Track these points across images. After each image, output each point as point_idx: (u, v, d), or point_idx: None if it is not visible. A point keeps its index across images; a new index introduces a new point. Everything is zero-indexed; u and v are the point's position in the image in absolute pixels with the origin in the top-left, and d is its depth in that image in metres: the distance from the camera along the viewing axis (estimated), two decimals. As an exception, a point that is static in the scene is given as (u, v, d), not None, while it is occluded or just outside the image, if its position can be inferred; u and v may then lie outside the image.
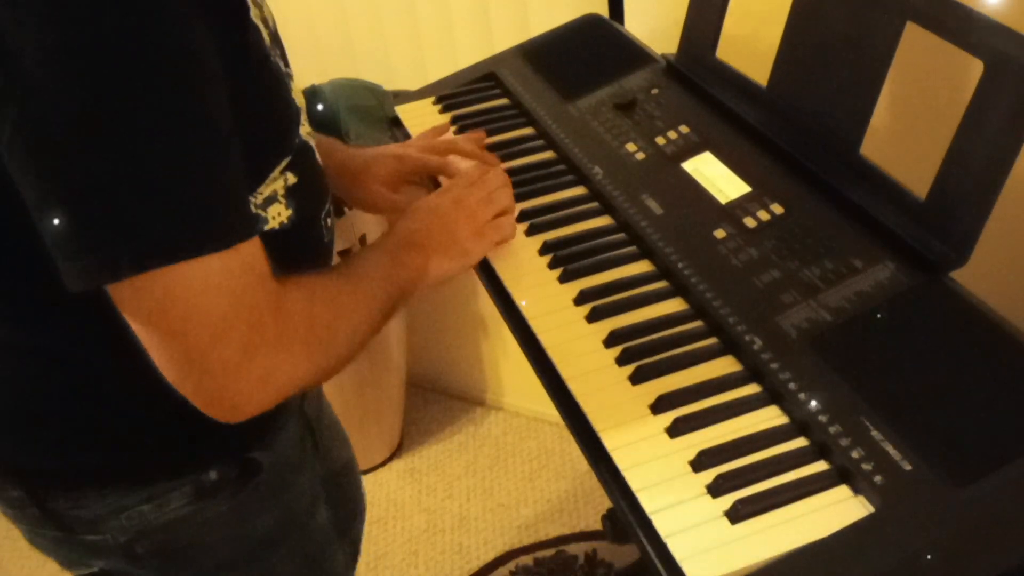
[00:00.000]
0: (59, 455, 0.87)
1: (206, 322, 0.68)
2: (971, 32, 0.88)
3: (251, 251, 0.71)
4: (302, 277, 0.79)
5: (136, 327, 0.69)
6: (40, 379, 0.83)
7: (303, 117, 0.87)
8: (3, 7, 0.61)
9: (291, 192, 0.83)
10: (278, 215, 0.83)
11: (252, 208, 0.79)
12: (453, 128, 1.30)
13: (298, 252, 0.87)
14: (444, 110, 1.35)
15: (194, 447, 0.89)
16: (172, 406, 0.73)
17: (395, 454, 2.24)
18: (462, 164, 1.17)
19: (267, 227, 0.81)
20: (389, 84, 1.92)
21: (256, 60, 0.77)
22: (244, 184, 0.72)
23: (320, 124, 1.81)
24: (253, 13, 0.77)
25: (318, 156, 0.91)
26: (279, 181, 0.82)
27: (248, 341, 0.70)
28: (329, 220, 0.94)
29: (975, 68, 0.86)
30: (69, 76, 0.61)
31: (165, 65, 0.64)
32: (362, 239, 1.90)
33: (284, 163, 0.82)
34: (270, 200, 0.81)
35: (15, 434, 0.87)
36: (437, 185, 1.18)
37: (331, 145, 1.14)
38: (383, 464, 2.22)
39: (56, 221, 0.64)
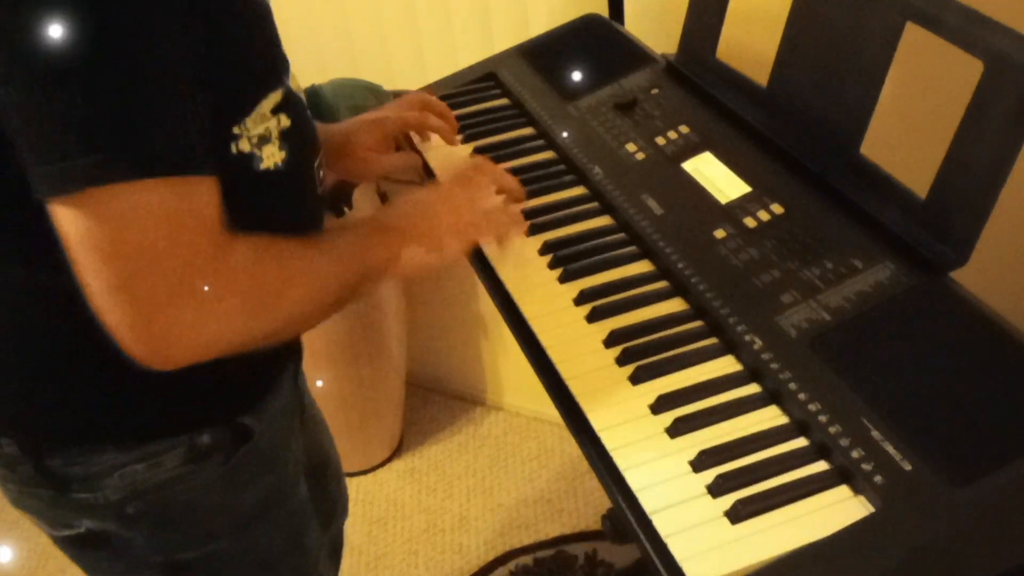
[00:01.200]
0: (59, 410, 0.88)
1: (139, 251, 0.69)
2: (971, 32, 0.88)
3: (198, 193, 0.71)
4: (258, 236, 0.79)
5: (70, 247, 0.69)
6: (44, 332, 0.84)
7: (291, 70, 0.89)
8: None
9: (285, 136, 0.84)
10: (271, 155, 0.83)
11: (246, 146, 0.81)
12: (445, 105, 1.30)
13: (290, 196, 0.88)
14: (444, 110, 1.35)
15: (188, 407, 0.90)
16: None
17: (395, 454, 2.24)
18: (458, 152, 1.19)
19: (262, 166, 0.82)
20: (389, 84, 1.92)
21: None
22: (203, 125, 0.73)
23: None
24: None
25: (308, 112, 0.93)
26: (272, 121, 0.83)
27: (179, 280, 0.70)
28: (321, 172, 0.95)
29: (975, 68, 0.86)
30: (33, 10, 0.64)
31: (131, 7, 0.66)
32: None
33: (274, 98, 0.82)
34: (265, 139, 0.82)
35: (16, 387, 0.88)
36: (425, 166, 1.21)
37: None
38: (383, 464, 2.22)
39: (23, 133, 0.67)
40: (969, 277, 0.88)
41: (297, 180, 0.89)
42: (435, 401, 2.37)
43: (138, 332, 0.71)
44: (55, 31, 0.65)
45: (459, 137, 1.25)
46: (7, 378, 0.88)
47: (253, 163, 0.82)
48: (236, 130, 0.80)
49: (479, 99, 1.35)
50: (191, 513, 0.94)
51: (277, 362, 1.00)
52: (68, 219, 0.69)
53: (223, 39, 0.75)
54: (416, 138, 1.26)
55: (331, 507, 1.25)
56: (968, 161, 0.87)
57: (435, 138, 1.24)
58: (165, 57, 0.69)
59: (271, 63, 0.84)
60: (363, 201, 1.88)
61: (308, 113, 0.92)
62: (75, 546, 0.96)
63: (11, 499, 0.96)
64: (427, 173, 1.22)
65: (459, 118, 1.31)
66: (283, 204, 0.80)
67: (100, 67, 0.66)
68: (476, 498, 2.10)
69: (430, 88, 1.42)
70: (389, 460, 2.23)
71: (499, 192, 1.05)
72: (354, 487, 2.16)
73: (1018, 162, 0.84)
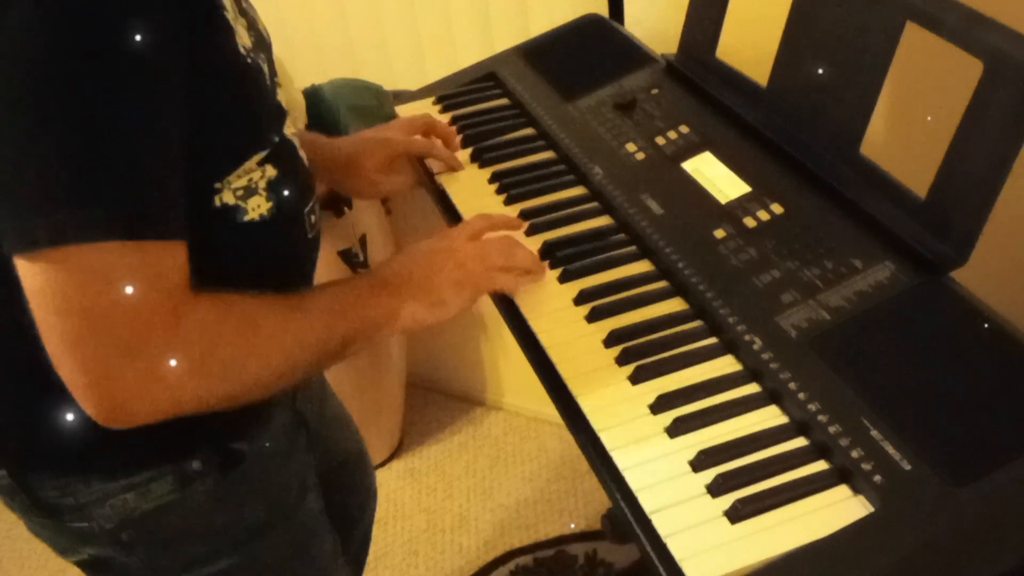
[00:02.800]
0: (42, 441, 0.87)
1: (92, 313, 0.69)
2: (971, 32, 0.88)
3: (160, 257, 0.71)
4: (226, 295, 0.78)
5: (30, 300, 0.70)
6: (27, 358, 0.82)
7: (290, 119, 0.88)
8: None
9: (272, 186, 0.84)
10: (257, 207, 0.83)
11: (230, 199, 0.80)
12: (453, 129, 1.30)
13: (278, 245, 0.88)
14: (444, 110, 1.35)
15: (176, 436, 0.87)
16: None
17: (395, 454, 2.24)
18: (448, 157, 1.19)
19: (246, 217, 0.82)
20: (389, 84, 1.92)
21: (228, 55, 0.78)
22: (175, 188, 0.73)
23: (320, 124, 1.81)
24: (230, 15, 0.79)
25: (302, 152, 0.92)
26: (257, 173, 0.82)
27: (131, 342, 0.70)
28: (314, 217, 0.94)
29: (975, 68, 0.86)
30: (13, 52, 0.64)
31: (110, 56, 0.66)
32: (362, 239, 1.90)
33: (260, 156, 0.82)
34: (251, 192, 0.82)
35: (3, 418, 0.88)
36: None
37: (314, 140, 1.15)
38: (383, 464, 2.21)
39: None
40: (969, 277, 0.88)
41: (285, 229, 0.88)
42: (435, 401, 2.37)
43: (89, 390, 0.71)
44: (31, 85, 0.66)
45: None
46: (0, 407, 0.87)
47: (237, 215, 0.81)
48: (218, 185, 0.79)
49: (479, 99, 1.35)
50: (187, 536, 0.94)
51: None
52: (27, 273, 0.70)
53: (207, 105, 0.75)
54: (430, 162, 1.24)
55: (356, 501, 1.24)
56: (968, 161, 0.87)
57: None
58: (140, 119, 0.69)
59: (257, 126, 0.83)
60: (363, 201, 1.88)
61: (301, 156, 0.91)
62: (84, 569, 0.97)
63: (26, 525, 0.96)
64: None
65: (459, 118, 1.31)
66: (270, 253, 0.79)
67: (72, 126, 0.66)
68: (476, 498, 2.10)
69: (430, 88, 1.42)
70: (389, 460, 2.23)
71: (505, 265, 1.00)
72: (354, 487, 2.16)
73: (1018, 162, 0.84)
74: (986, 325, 0.83)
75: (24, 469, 0.89)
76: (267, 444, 0.96)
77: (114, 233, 0.68)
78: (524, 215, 1.11)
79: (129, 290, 0.69)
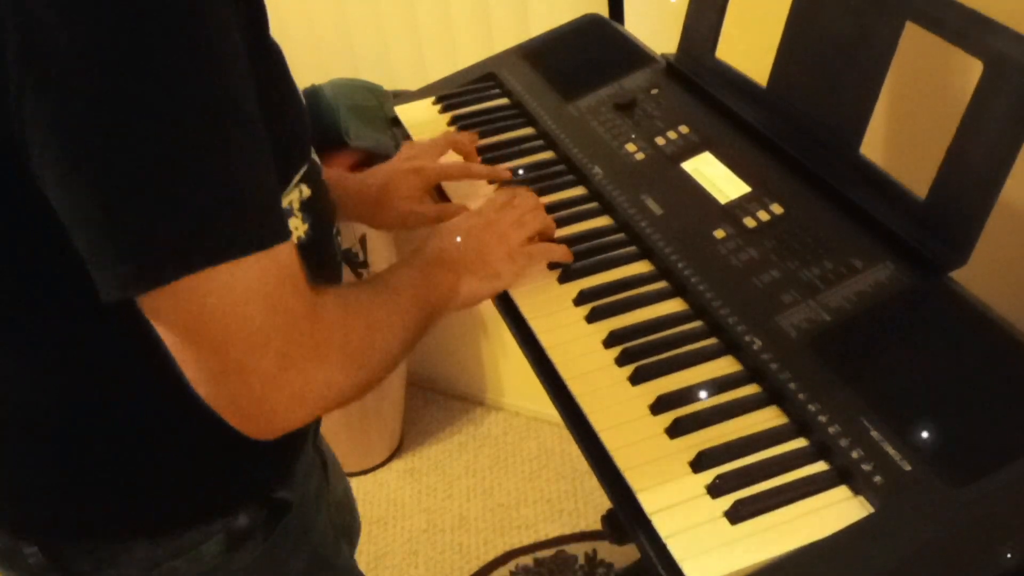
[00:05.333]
0: (81, 508, 0.82)
1: (244, 331, 0.65)
2: (971, 32, 0.88)
3: (288, 256, 0.68)
4: (335, 289, 0.76)
5: (170, 339, 0.66)
6: (59, 419, 0.79)
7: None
8: (37, 6, 0.59)
9: (305, 206, 0.81)
10: (295, 229, 0.80)
11: None
12: (452, 129, 1.30)
13: (314, 268, 0.84)
14: (444, 110, 1.35)
15: (221, 488, 0.85)
16: (198, 442, 0.71)
17: (395, 454, 2.24)
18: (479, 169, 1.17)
19: None
20: (389, 84, 1.92)
21: (277, 64, 0.76)
22: (278, 185, 0.70)
23: (320, 124, 1.81)
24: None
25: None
26: (295, 192, 0.80)
27: (285, 351, 0.67)
28: (339, 238, 0.93)
29: (975, 68, 0.86)
30: (104, 78, 0.59)
31: (203, 65, 0.62)
32: (362, 239, 1.90)
33: (302, 172, 0.80)
34: (288, 213, 0.79)
35: (33, 488, 0.82)
36: (441, 194, 1.18)
37: (340, 176, 1.12)
38: (383, 464, 2.22)
39: (92, 227, 0.62)
40: (969, 277, 0.88)
41: (319, 251, 0.86)
42: (435, 401, 2.37)
43: (251, 411, 0.68)
44: (134, 105, 0.60)
45: (494, 187, 1.18)
46: (25, 476, 0.82)
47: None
48: None
49: (479, 99, 1.35)
50: None
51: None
52: (159, 311, 0.65)
53: (271, 105, 0.71)
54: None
55: (349, 538, 1.22)
56: (968, 161, 0.87)
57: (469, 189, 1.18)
58: (251, 119, 0.65)
59: (305, 130, 0.81)
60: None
61: (323, 178, 0.89)
62: None
63: None
64: (440, 198, 1.18)
65: (459, 118, 1.31)
66: (309, 278, 0.76)
67: (188, 134, 0.61)
68: (476, 498, 2.10)
69: (430, 88, 1.42)
70: (389, 460, 2.23)
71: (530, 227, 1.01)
72: (354, 487, 2.16)
73: (1018, 162, 0.84)
74: (986, 325, 0.83)
75: (58, 541, 0.83)
76: (304, 490, 0.93)
77: (250, 245, 0.64)
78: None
79: (273, 300, 0.66)
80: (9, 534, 0.85)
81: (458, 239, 0.94)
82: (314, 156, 0.86)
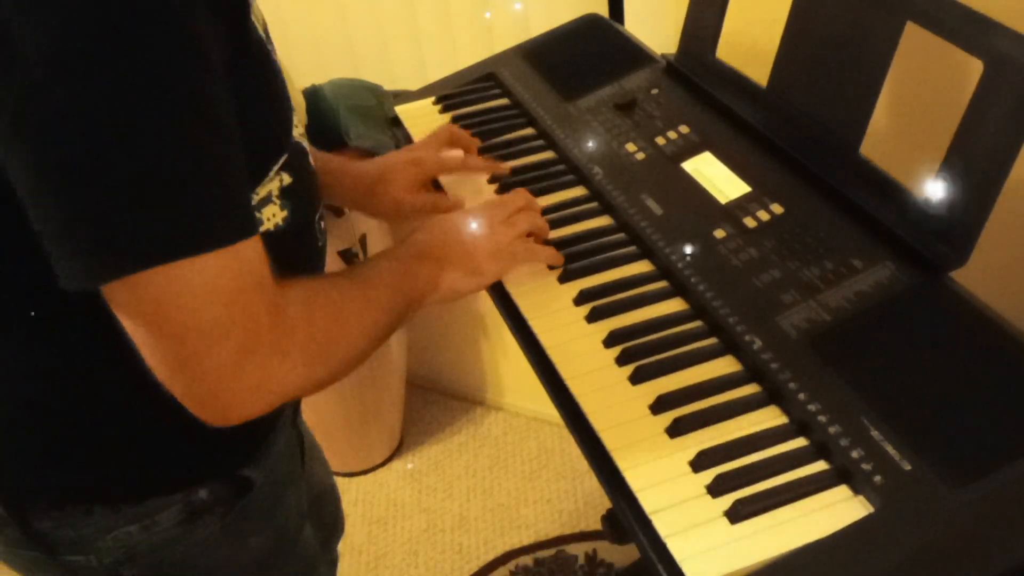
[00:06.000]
0: (45, 471, 0.84)
1: (201, 324, 0.66)
2: (971, 32, 0.88)
3: (251, 251, 0.68)
4: (304, 280, 0.77)
5: (129, 327, 0.67)
6: (28, 390, 0.81)
7: (296, 118, 0.86)
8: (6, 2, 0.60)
9: (285, 193, 0.82)
10: (272, 216, 0.81)
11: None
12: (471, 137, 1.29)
13: (292, 255, 0.85)
14: (444, 110, 1.35)
15: (186, 463, 0.86)
16: (164, 419, 0.71)
17: (395, 454, 2.24)
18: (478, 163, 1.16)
19: (262, 229, 0.79)
20: (389, 84, 1.92)
21: (258, 55, 0.76)
22: (246, 181, 0.70)
23: (320, 124, 1.81)
24: (253, 11, 0.76)
25: (311, 159, 0.90)
26: (274, 181, 0.80)
27: (243, 345, 0.68)
28: (322, 223, 0.93)
29: (975, 68, 0.86)
30: (69, 71, 0.60)
31: (168, 60, 0.62)
32: (362, 239, 1.90)
33: (281, 162, 0.80)
34: (265, 201, 0.80)
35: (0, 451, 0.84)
36: (439, 188, 1.19)
37: (341, 162, 1.12)
38: (383, 464, 2.22)
39: (54, 218, 0.63)
40: (969, 277, 0.88)
41: (298, 238, 0.86)
42: (435, 401, 2.37)
43: (207, 401, 0.69)
44: (98, 98, 0.60)
45: (494, 188, 1.18)
46: None
47: (258, 224, 0.77)
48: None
49: (479, 99, 1.35)
50: (189, 571, 0.90)
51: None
52: (118, 301, 0.66)
53: (248, 99, 0.71)
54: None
55: (329, 532, 1.23)
56: (968, 161, 0.87)
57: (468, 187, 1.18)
58: (216, 114, 0.65)
59: (285, 126, 0.81)
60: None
61: (309, 161, 0.89)
62: None
63: (7, 562, 0.91)
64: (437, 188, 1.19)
65: (459, 118, 1.31)
66: (283, 265, 0.76)
67: (151, 130, 0.62)
68: (476, 498, 2.10)
69: (430, 88, 1.42)
70: (389, 460, 2.23)
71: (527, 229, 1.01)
72: (354, 487, 2.16)
73: (1018, 162, 0.84)
74: (986, 325, 0.83)
75: (20, 498, 0.85)
76: (273, 470, 0.94)
77: (209, 242, 0.65)
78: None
79: (233, 296, 0.67)
80: None
81: (445, 232, 0.94)
82: (300, 140, 0.86)
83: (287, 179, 0.82)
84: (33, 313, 0.76)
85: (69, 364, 0.79)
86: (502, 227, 0.97)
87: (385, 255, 0.90)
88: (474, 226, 0.96)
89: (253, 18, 0.76)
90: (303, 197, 0.85)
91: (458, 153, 1.18)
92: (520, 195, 1.02)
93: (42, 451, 0.83)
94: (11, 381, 0.80)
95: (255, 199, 0.79)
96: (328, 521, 1.23)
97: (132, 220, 0.62)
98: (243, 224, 0.68)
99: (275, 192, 0.81)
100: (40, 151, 0.62)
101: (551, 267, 1.02)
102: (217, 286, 0.66)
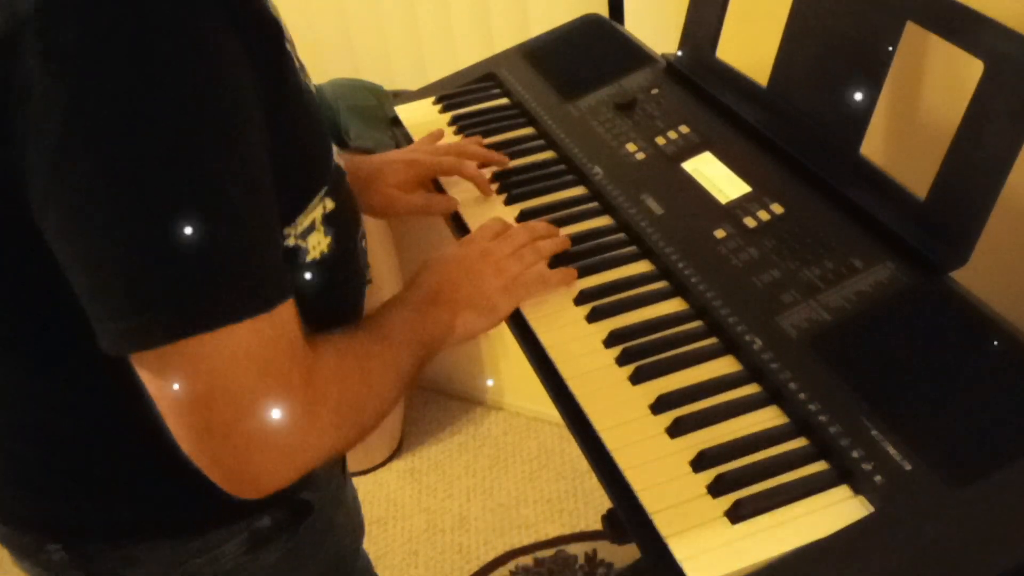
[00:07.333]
0: (106, 508, 0.82)
1: (233, 393, 0.63)
2: (971, 32, 0.88)
3: (285, 314, 0.66)
4: (332, 340, 0.74)
5: (155, 393, 0.64)
6: (86, 429, 0.79)
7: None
8: (36, 60, 0.58)
9: (328, 219, 0.79)
10: (318, 244, 0.78)
11: (292, 241, 0.75)
12: (452, 128, 1.30)
13: (337, 281, 0.83)
14: (444, 110, 1.35)
15: None
16: None
17: (395, 454, 2.24)
18: (472, 167, 1.16)
19: (308, 258, 0.77)
20: (389, 84, 1.92)
21: (293, 89, 0.73)
22: (280, 239, 0.68)
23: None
24: (288, 43, 0.74)
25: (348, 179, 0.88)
26: (318, 209, 0.78)
27: (275, 413, 0.65)
28: (364, 242, 0.91)
29: (975, 68, 0.86)
30: (107, 133, 0.58)
31: (205, 122, 0.60)
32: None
33: (323, 191, 0.78)
34: (309, 230, 0.77)
35: (58, 489, 0.82)
36: (439, 189, 1.18)
37: (345, 158, 1.12)
38: (383, 464, 2.22)
39: (89, 283, 0.62)
40: (969, 277, 0.88)
41: (343, 262, 0.84)
42: (435, 401, 2.37)
43: (234, 474, 0.66)
44: (133, 164, 0.58)
45: (494, 187, 1.16)
46: (50, 478, 0.82)
47: (299, 257, 0.76)
48: (288, 229, 0.74)
49: (479, 99, 1.35)
50: None
51: None
52: (150, 371, 0.64)
53: (285, 144, 0.69)
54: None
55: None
56: (968, 161, 0.87)
57: (465, 186, 1.17)
58: (253, 175, 0.63)
59: (326, 157, 0.79)
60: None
61: (347, 183, 0.86)
62: None
63: None
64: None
65: (459, 118, 1.31)
66: (329, 294, 0.73)
67: (188, 196, 0.60)
68: (476, 498, 2.10)
69: (430, 88, 1.42)
70: (389, 460, 2.23)
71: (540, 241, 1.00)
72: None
73: (1018, 162, 0.84)
74: (986, 325, 0.83)
75: (83, 540, 0.82)
76: (326, 490, 0.92)
77: (245, 311, 0.62)
78: (524, 215, 1.11)
79: (269, 361, 0.64)
80: (34, 533, 0.85)
81: (453, 272, 0.92)
82: (338, 161, 0.84)
83: (330, 205, 0.80)
84: (84, 349, 0.73)
85: (125, 400, 0.76)
86: (510, 261, 0.95)
87: (398, 304, 0.88)
88: (482, 261, 0.94)
89: (287, 45, 0.74)
90: (345, 221, 0.83)
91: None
92: (528, 230, 1.00)
93: (102, 489, 0.81)
94: (63, 419, 0.79)
95: (298, 228, 0.76)
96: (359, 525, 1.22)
97: (167, 289, 0.61)
98: (278, 286, 0.66)
99: (318, 219, 0.78)
100: (74, 218, 0.60)
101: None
102: (251, 353, 0.63)
